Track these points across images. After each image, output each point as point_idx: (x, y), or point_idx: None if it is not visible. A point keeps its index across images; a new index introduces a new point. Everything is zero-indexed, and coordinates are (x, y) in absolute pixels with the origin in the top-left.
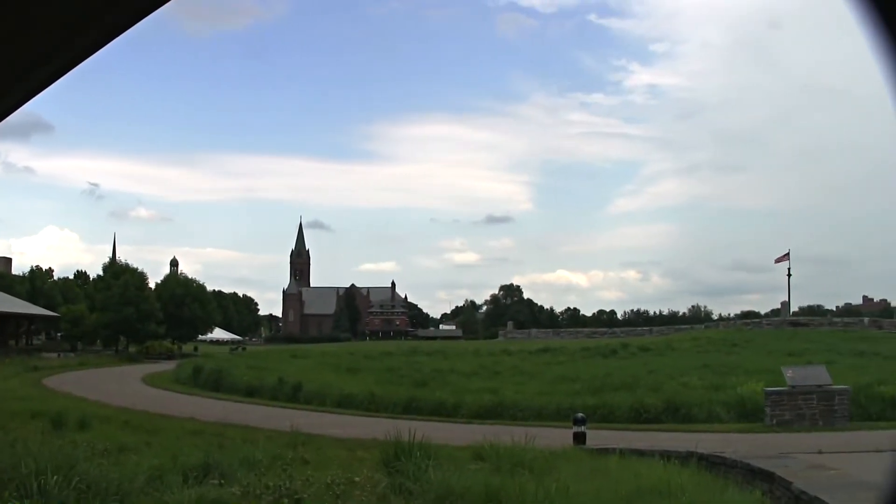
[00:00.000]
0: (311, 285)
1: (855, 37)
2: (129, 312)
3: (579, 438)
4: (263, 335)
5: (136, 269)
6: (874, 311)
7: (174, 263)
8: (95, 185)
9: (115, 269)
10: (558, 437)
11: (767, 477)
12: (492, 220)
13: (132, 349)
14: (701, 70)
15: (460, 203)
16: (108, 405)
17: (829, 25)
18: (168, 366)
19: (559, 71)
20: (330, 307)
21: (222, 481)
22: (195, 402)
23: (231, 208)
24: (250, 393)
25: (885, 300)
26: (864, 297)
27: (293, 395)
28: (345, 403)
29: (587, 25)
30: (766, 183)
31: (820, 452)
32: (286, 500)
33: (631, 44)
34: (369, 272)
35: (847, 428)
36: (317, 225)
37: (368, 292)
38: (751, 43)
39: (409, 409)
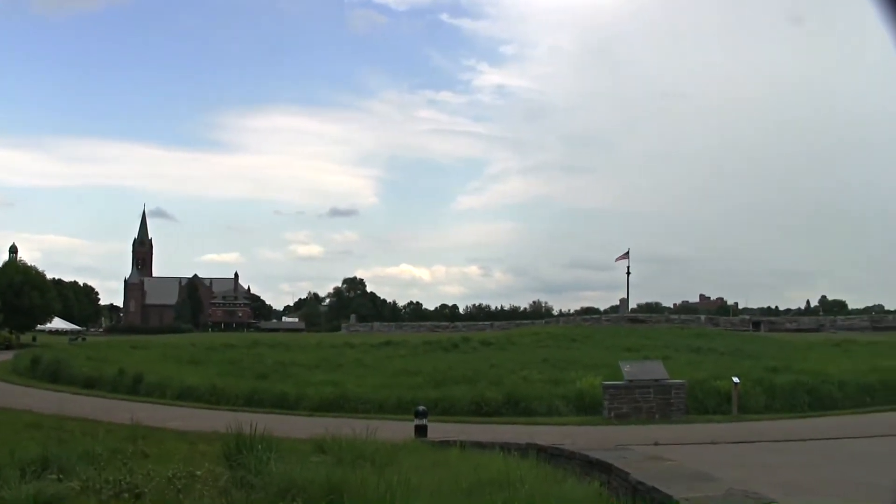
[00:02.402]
0: (154, 275)
1: (699, 47)
2: None
3: (420, 431)
4: (104, 325)
5: None
6: (711, 309)
7: (13, 250)
8: None
9: None
10: (400, 429)
11: (605, 468)
12: (336, 213)
13: None
14: (549, 73)
15: (306, 195)
16: None
17: (674, 35)
18: (5, 356)
19: (410, 68)
20: (172, 298)
21: (61, 476)
22: (33, 394)
23: (75, 194)
24: (90, 384)
25: (722, 298)
26: (701, 296)
27: (134, 388)
28: (186, 396)
29: (439, 24)
30: (608, 184)
31: (656, 444)
32: (126, 495)
33: (481, 44)
34: (213, 263)
35: (683, 421)
36: (160, 214)
37: (211, 283)
38: (599, 50)
39: (251, 402)
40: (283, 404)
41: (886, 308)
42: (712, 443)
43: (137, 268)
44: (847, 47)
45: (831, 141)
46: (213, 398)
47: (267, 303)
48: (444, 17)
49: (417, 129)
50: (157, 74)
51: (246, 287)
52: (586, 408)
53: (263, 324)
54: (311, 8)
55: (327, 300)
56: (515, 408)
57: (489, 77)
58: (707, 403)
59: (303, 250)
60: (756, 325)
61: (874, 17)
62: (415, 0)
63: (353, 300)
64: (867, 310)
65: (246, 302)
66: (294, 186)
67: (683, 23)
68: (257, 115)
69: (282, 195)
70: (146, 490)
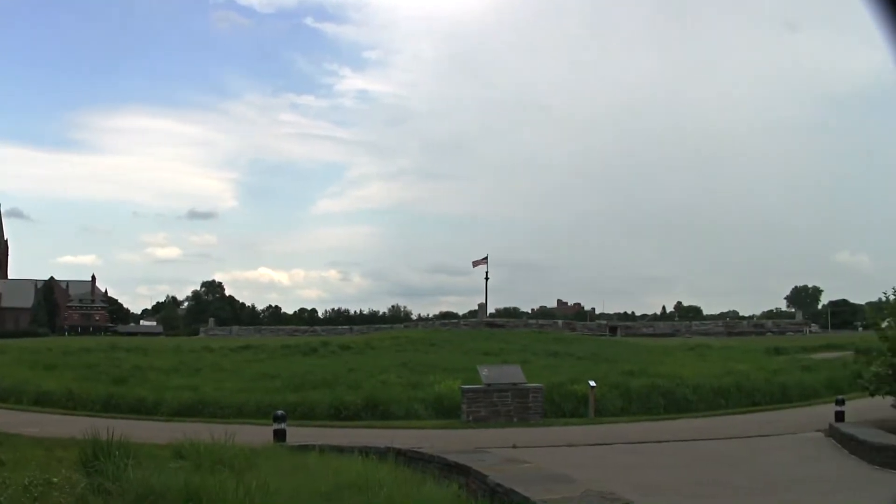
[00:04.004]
0: (10, 277)
1: (559, 58)
2: None
3: (279, 435)
4: None
5: None
6: (568, 314)
7: None
8: None
9: None
10: (259, 434)
11: (464, 471)
12: (195, 215)
13: None
14: (412, 80)
15: (165, 197)
16: None
17: (534, 46)
18: None
19: (273, 71)
20: (28, 300)
21: None
22: None
23: None
24: None
25: (579, 304)
26: (559, 301)
27: None
28: (42, 401)
29: (303, 28)
30: (468, 190)
31: (515, 447)
32: None
33: (345, 49)
34: (69, 265)
35: (541, 424)
36: (16, 214)
37: (68, 286)
38: (461, 58)
39: (109, 407)
40: (141, 409)
41: (740, 314)
42: (570, 445)
43: None
44: (703, 58)
45: (686, 150)
46: (70, 403)
47: (125, 306)
48: (309, 21)
49: (279, 133)
50: (13, 72)
51: (103, 290)
52: (445, 411)
53: (121, 327)
54: (173, 8)
55: (186, 303)
56: (374, 412)
57: (352, 82)
58: (564, 407)
59: (161, 253)
60: (613, 329)
61: (731, 29)
62: (279, 3)
63: (212, 304)
64: (721, 315)
65: (103, 305)
66: (153, 188)
67: (543, 34)
68: (117, 115)
69: (140, 196)
70: (1, 498)
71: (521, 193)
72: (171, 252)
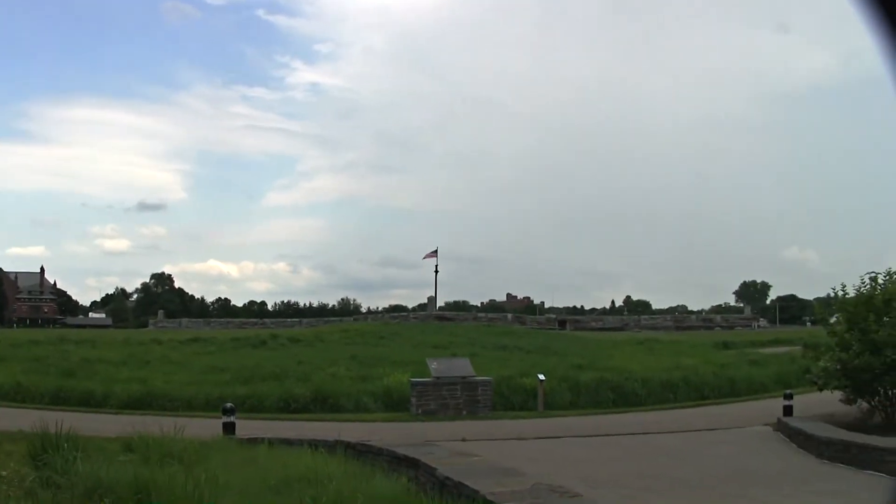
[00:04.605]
0: None
1: (509, 53)
2: None
3: (228, 428)
4: None
5: None
6: (517, 308)
7: None
8: None
9: None
10: (208, 427)
11: (413, 464)
12: (145, 207)
13: None
14: (363, 73)
15: (114, 189)
16: None
17: (485, 42)
18: None
19: (224, 63)
20: None
21: None
22: None
23: None
24: None
25: (528, 297)
26: (509, 295)
27: None
28: None
29: (254, 20)
30: (418, 184)
31: (464, 440)
32: None
33: (296, 42)
34: (18, 256)
35: (490, 417)
36: None
37: (17, 277)
38: (413, 52)
39: (58, 400)
40: (90, 402)
41: (689, 309)
42: (519, 439)
43: None
44: (653, 55)
45: (636, 146)
46: (18, 396)
47: (74, 298)
48: (261, 13)
49: (229, 125)
50: None
51: (52, 282)
52: (394, 404)
53: (70, 319)
54: None
55: (135, 296)
56: (323, 405)
57: (303, 74)
58: (513, 400)
59: (110, 244)
60: (562, 323)
61: (682, 25)
62: None
63: (161, 296)
64: (671, 310)
65: (52, 297)
66: (102, 179)
67: (495, 29)
68: (66, 105)
69: (89, 188)
70: None
71: (471, 187)
72: (121, 244)
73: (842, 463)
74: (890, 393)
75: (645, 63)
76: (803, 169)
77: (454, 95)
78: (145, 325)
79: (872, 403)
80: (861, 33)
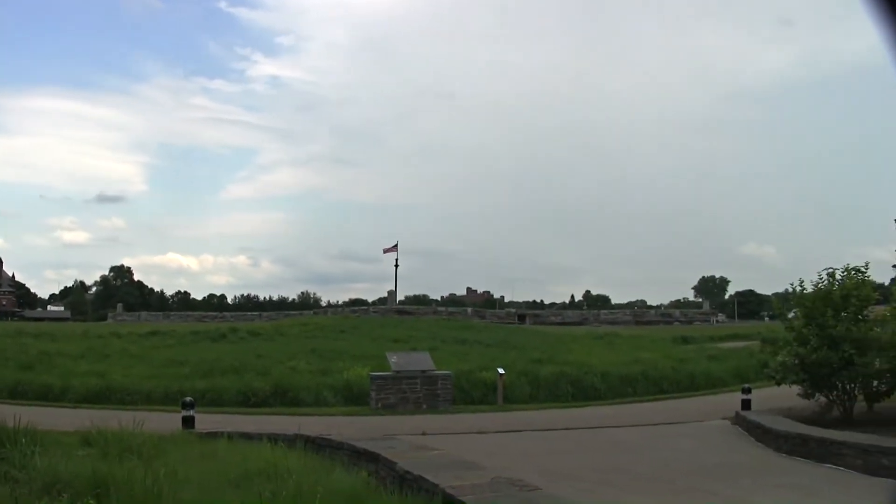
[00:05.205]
0: None
1: (471, 48)
2: None
3: (188, 422)
4: None
5: None
6: (477, 302)
7: None
8: None
9: None
10: (167, 421)
11: (373, 458)
12: (104, 199)
13: None
14: (324, 66)
15: (73, 180)
16: None
17: (446, 36)
18: None
19: (184, 54)
20: None
21: None
22: None
23: None
24: None
25: (488, 292)
26: (469, 289)
27: None
28: None
29: (216, 12)
30: (378, 178)
31: (424, 434)
32: None
33: (257, 34)
34: None
35: (450, 411)
36: None
37: None
38: (374, 46)
39: (15, 394)
40: (49, 396)
41: (648, 303)
42: (478, 432)
43: None
44: (612, 52)
45: (597, 142)
46: None
47: (32, 290)
48: (222, 4)
49: (190, 117)
50: None
51: (11, 274)
52: (354, 398)
53: (28, 312)
54: None
55: (94, 288)
56: (283, 398)
57: (264, 67)
58: (473, 394)
59: (69, 237)
60: (522, 318)
61: (641, 23)
62: None
63: (121, 289)
64: (630, 305)
65: (10, 290)
66: (61, 171)
67: (456, 25)
68: (25, 96)
69: (47, 179)
70: None
71: (431, 181)
72: (80, 236)
73: (800, 456)
74: (848, 387)
75: (606, 58)
76: (763, 166)
77: (414, 88)
78: (104, 319)
79: (830, 398)
80: (824, 33)
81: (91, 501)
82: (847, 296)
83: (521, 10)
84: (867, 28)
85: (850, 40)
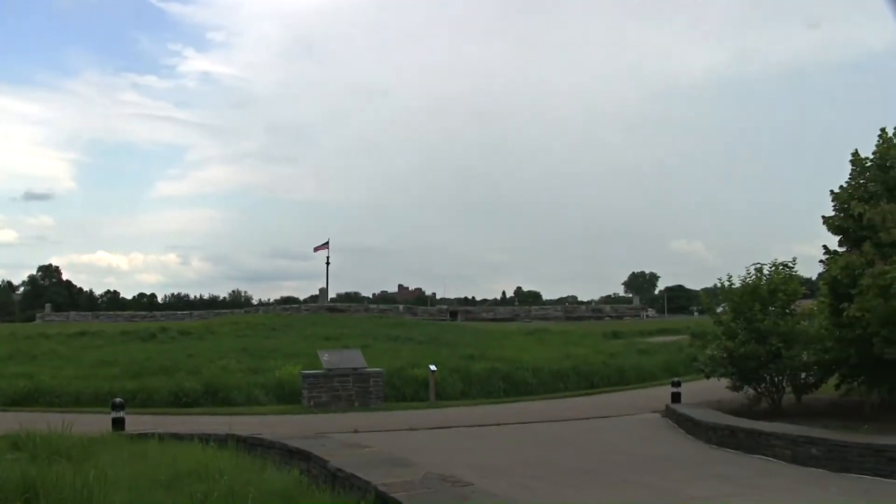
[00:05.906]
0: None
1: (405, 45)
2: None
3: (118, 424)
4: None
5: None
6: (409, 299)
7: None
8: None
9: None
10: (97, 423)
11: (305, 456)
12: (31, 196)
13: None
14: (256, 62)
15: None
16: None
17: (381, 33)
18: None
19: (115, 50)
20: None
21: None
22: None
23: None
24: None
25: (420, 289)
26: (400, 286)
27: None
28: None
29: (147, 7)
30: (310, 175)
31: (356, 432)
32: None
33: (188, 29)
34: None
35: (382, 408)
36: None
37: None
38: (307, 42)
39: None
40: None
41: (579, 299)
42: (410, 429)
43: None
44: (549, 49)
45: (528, 137)
46: None
47: None
48: None
49: (119, 113)
50: None
51: None
52: (286, 397)
53: None
54: None
55: (21, 288)
56: (214, 398)
57: (195, 63)
58: (405, 391)
59: None
60: (453, 314)
61: (579, 21)
62: None
63: (49, 288)
64: (561, 300)
65: None
66: None
67: (390, 19)
68: None
69: None
70: None
71: (363, 178)
72: (6, 235)
73: (730, 448)
74: (776, 380)
75: (540, 55)
76: (691, 162)
77: (347, 85)
78: (32, 319)
79: (759, 390)
80: (754, 32)
81: None
82: (774, 290)
83: (458, 6)
84: (797, 31)
85: (778, 42)
